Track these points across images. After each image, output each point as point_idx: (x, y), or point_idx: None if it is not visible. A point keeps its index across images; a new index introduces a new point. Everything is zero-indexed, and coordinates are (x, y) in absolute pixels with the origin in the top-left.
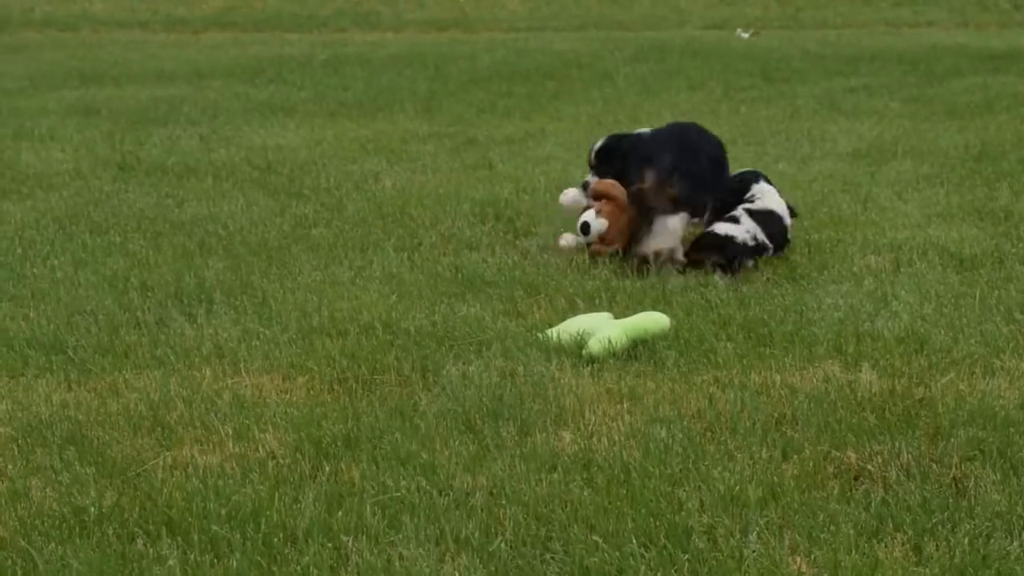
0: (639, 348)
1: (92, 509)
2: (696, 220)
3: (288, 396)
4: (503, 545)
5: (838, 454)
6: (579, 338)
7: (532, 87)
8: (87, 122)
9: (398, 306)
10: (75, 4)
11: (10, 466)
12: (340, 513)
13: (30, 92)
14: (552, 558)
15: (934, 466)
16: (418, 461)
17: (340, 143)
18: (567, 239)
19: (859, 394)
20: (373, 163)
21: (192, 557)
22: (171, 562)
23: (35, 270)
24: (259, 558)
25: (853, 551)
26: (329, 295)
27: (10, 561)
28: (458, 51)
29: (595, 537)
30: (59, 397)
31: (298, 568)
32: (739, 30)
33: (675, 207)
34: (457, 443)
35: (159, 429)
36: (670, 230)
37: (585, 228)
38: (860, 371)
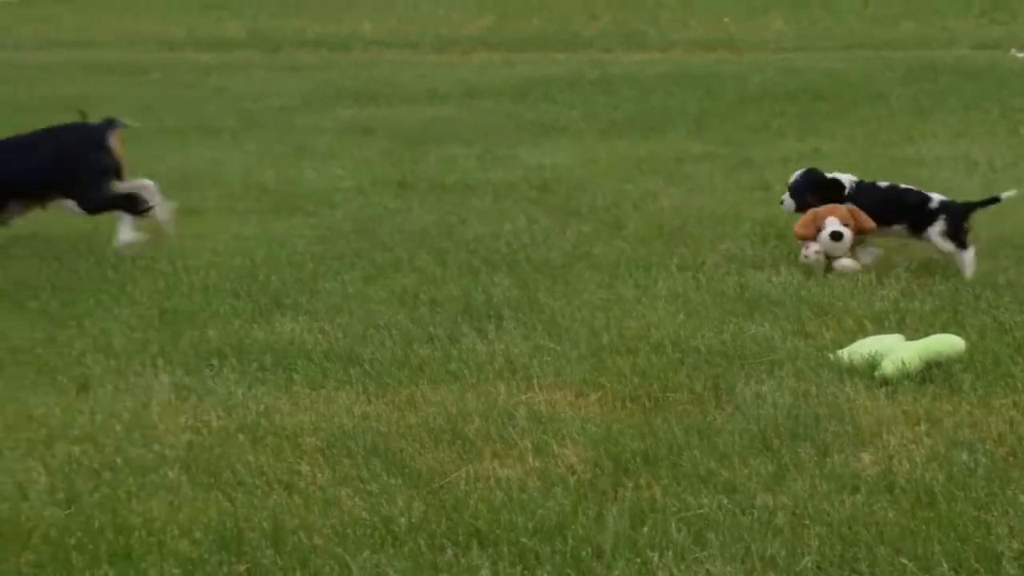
0: (933, 370)
1: (402, 519)
2: None
3: (582, 412)
4: (810, 565)
5: None
6: (872, 359)
7: (803, 107)
8: (364, 141)
9: (686, 324)
10: (344, 24)
11: (319, 475)
12: (645, 529)
13: (306, 110)
14: None
15: None
16: (718, 479)
17: (614, 162)
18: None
19: None
20: (649, 182)
21: (502, 568)
22: (483, 572)
23: (327, 285)
24: (568, 571)
25: None
26: (616, 313)
27: (327, 568)
28: (726, 71)
29: (903, 559)
30: (360, 409)
31: None
32: (1013, 50)
33: None
34: (756, 462)
35: (459, 442)
36: None
37: (837, 236)
38: None
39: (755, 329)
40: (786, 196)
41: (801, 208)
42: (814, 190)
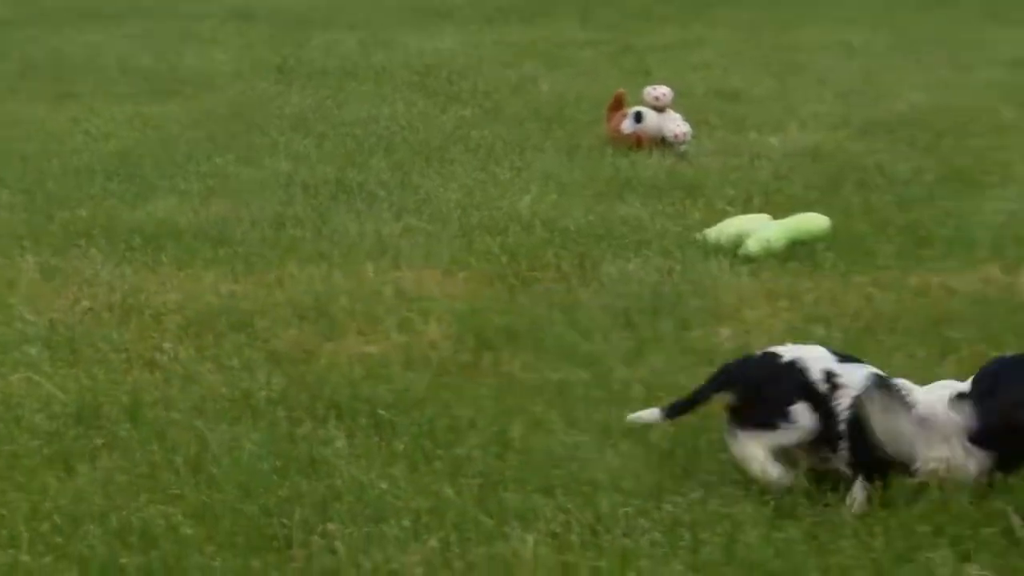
0: (797, 248)
1: (262, 393)
2: None
3: (449, 290)
4: (661, 434)
5: (997, 352)
6: (737, 238)
7: None
8: (247, 26)
9: (558, 205)
10: None
11: (181, 352)
12: (508, 400)
13: None
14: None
15: None
16: (578, 353)
17: (497, 48)
18: None
19: (1019, 295)
20: (530, 68)
21: (359, 440)
22: (338, 443)
23: (201, 167)
24: (424, 442)
25: None
26: (490, 193)
27: (184, 440)
28: None
29: None
30: (226, 288)
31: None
32: None
33: None
34: (617, 337)
35: (324, 320)
36: None
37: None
38: (1020, 274)
39: (625, 210)
40: None
41: None
42: None
